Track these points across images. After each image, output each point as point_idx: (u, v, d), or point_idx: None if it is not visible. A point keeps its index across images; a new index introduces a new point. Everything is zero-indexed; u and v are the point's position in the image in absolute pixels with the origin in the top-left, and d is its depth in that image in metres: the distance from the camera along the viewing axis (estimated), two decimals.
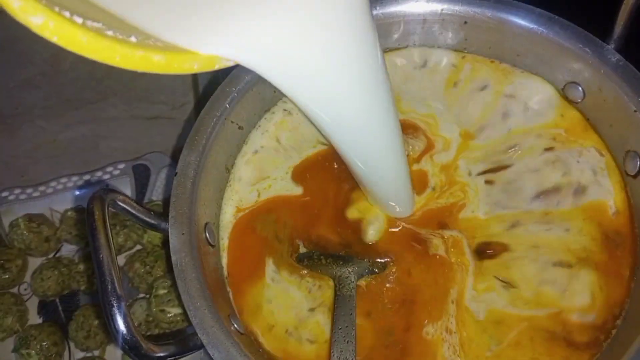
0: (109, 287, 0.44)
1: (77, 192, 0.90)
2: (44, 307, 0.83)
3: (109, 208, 0.49)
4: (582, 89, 0.64)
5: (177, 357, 0.49)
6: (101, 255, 0.45)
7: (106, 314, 0.44)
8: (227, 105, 0.65)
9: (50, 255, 0.87)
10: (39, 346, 0.76)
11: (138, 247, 0.86)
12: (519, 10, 0.65)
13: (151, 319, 0.77)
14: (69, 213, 0.87)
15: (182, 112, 1.03)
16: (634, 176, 0.60)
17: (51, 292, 0.82)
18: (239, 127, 0.69)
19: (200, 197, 0.61)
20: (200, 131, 0.64)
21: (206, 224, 0.62)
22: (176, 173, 0.60)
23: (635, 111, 0.58)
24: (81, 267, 0.83)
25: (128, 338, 0.43)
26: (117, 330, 0.43)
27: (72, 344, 0.80)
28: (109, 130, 1.02)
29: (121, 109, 1.05)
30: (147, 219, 0.56)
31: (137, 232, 0.84)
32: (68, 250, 0.87)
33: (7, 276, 0.82)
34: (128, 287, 0.82)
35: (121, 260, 0.85)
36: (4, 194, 0.90)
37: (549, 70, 0.67)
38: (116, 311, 0.43)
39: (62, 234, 0.86)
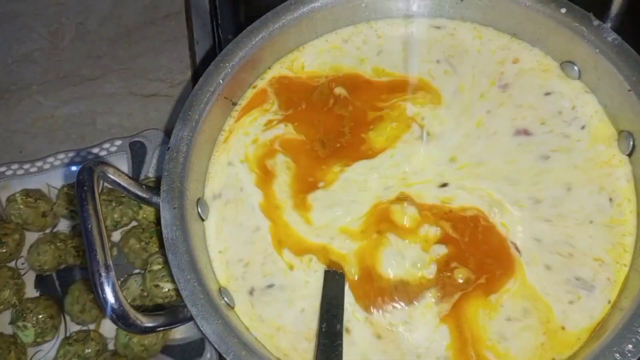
0: (97, 256, 0.44)
1: (74, 168, 0.90)
2: (41, 281, 0.84)
3: (100, 180, 0.49)
4: (578, 67, 0.64)
5: (166, 328, 0.50)
6: (89, 225, 0.45)
7: (94, 283, 0.44)
8: (221, 81, 0.65)
9: (47, 230, 0.87)
10: (35, 319, 0.77)
11: (134, 223, 0.86)
12: None
13: (146, 294, 0.77)
14: (66, 189, 0.87)
15: (179, 90, 1.03)
16: (628, 156, 0.60)
17: (48, 267, 0.82)
18: (233, 103, 0.69)
19: (193, 172, 0.61)
20: (194, 106, 0.64)
21: (198, 199, 0.63)
22: (169, 148, 0.61)
23: (629, 90, 0.58)
24: (77, 242, 0.84)
25: (116, 307, 0.44)
26: (105, 300, 0.43)
27: (67, 318, 0.81)
28: (106, 107, 1.02)
29: (119, 86, 1.05)
30: (139, 193, 0.56)
31: (133, 209, 0.85)
32: (65, 225, 0.88)
33: (4, 250, 0.83)
34: (123, 263, 0.83)
35: (117, 236, 0.85)
36: (2, 169, 0.90)
37: (545, 49, 0.66)
38: (104, 280, 0.44)
39: (58, 209, 0.87)
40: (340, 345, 0.50)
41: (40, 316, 0.77)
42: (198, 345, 0.76)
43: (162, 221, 0.56)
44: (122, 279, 0.80)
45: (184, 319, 0.52)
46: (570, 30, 0.62)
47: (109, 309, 0.44)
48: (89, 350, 0.75)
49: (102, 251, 0.45)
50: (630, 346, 0.45)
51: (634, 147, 0.58)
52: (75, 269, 0.84)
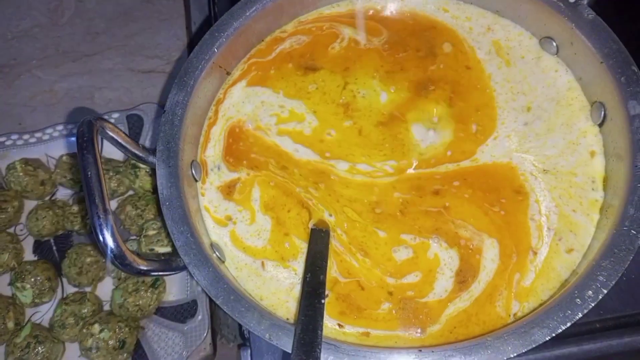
0: (97, 200, 0.47)
1: (72, 139, 0.93)
2: (39, 247, 0.87)
3: (99, 135, 0.52)
4: (556, 43, 0.67)
5: (159, 273, 0.53)
6: (89, 172, 0.48)
7: (94, 226, 0.47)
8: (215, 50, 0.68)
9: (46, 199, 0.90)
10: (33, 280, 0.80)
11: (130, 192, 0.89)
12: None
13: None
14: (64, 158, 0.89)
15: (176, 67, 1.06)
16: (600, 125, 0.63)
17: (46, 232, 0.85)
18: (227, 73, 0.72)
19: (187, 135, 0.64)
20: (189, 73, 0.66)
21: (192, 161, 0.66)
22: (164, 110, 0.64)
23: (601, 62, 0.61)
24: (75, 209, 0.86)
25: (114, 248, 0.47)
26: (103, 241, 0.46)
27: (65, 280, 0.83)
28: (104, 82, 1.05)
29: (117, 61, 1.07)
30: (135, 151, 0.59)
31: (129, 178, 0.87)
32: (63, 194, 0.90)
33: (3, 216, 0.85)
34: (120, 229, 0.85)
35: (114, 204, 0.88)
36: (2, 139, 0.92)
37: (526, 26, 0.70)
38: (103, 223, 0.47)
39: (57, 177, 0.89)
40: (323, 292, 0.53)
41: (39, 278, 0.80)
42: (190, 307, 0.80)
43: (158, 178, 0.59)
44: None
45: (177, 268, 0.55)
46: (550, 7, 0.65)
47: (107, 250, 0.47)
48: (86, 310, 0.78)
49: (100, 197, 0.48)
50: (590, 292, 0.49)
51: (605, 117, 0.62)
52: (72, 235, 0.87)
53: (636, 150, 0.55)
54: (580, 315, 0.48)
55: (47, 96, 1.04)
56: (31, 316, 0.82)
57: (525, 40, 0.70)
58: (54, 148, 0.93)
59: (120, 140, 0.57)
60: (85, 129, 0.51)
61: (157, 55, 1.08)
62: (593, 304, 0.48)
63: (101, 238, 0.46)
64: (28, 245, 0.87)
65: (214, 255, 0.59)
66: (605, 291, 0.48)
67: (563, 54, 0.67)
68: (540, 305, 0.55)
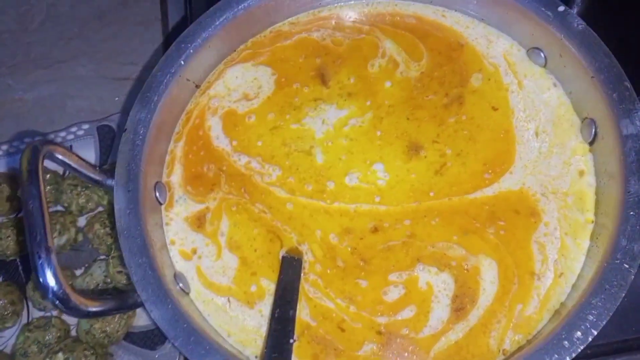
0: (37, 237, 0.43)
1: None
2: (4, 267, 0.83)
3: (44, 161, 0.48)
4: (544, 54, 0.63)
5: (113, 313, 0.49)
6: (31, 206, 0.44)
7: (34, 265, 0.43)
8: (182, 62, 0.64)
9: (12, 216, 0.86)
10: None
11: (100, 209, 0.85)
12: None
13: (109, 280, 0.76)
14: None
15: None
16: (591, 143, 0.59)
17: (10, 252, 0.81)
18: (196, 86, 0.68)
19: (150, 155, 0.60)
20: (152, 88, 0.62)
21: (156, 183, 0.62)
22: (125, 129, 0.59)
23: (592, 77, 0.57)
24: None
25: (56, 290, 0.42)
26: (45, 283, 0.42)
27: (30, 304, 0.79)
28: (76, 90, 1.00)
29: (90, 68, 1.02)
30: (90, 174, 0.55)
31: (99, 194, 0.83)
32: None
33: None
34: (88, 249, 0.81)
35: (82, 221, 0.84)
36: None
37: (513, 35, 0.66)
38: (44, 262, 0.43)
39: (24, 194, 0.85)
40: (292, 331, 0.49)
41: (1, 302, 0.76)
42: (161, 333, 0.75)
43: (115, 204, 0.55)
44: (86, 265, 0.79)
45: (134, 305, 0.51)
46: (537, 16, 0.61)
47: (49, 292, 0.42)
48: (50, 337, 0.74)
49: (43, 233, 0.43)
50: (579, 333, 0.45)
51: (595, 134, 0.58)
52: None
53: (629, 174, 0.52)
54: (567, 359, 0.44)
55: (17, 105, 0.99)
56: None
57: (514, 52, 0.66)
58: None
59: (72, 164, 0.53)
60: (29, 156, 0.46)
61: (132, 61, 1.03)
62: (582, 347, 0.44)
63: (41, 279, 0.42)
64: None
65: (177, 287, 0.55)
66: (595, 332, 0.45)
67: (552, 66, 0.63)
68: (528, 341, 0.51)
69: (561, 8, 0.60)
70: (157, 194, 0.60)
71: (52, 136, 0.90)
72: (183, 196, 0.63)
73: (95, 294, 0.53)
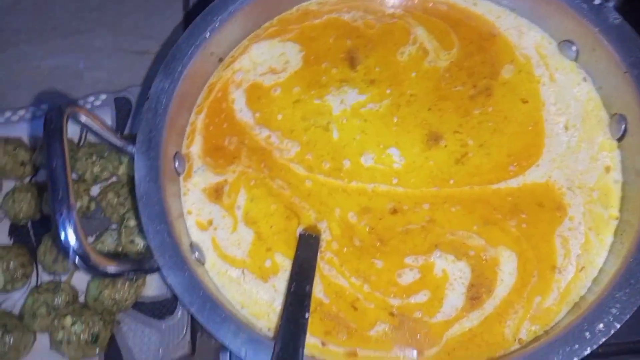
0: (60, 194, 0.43)
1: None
2: (15, 230, 0.82)
3: (68, 122, 0.47)
4: (576, 47, 0.62)
5: (130, 275, 0.48)
6: (54, 163, 0.44)
7: (55, 222, 0.43)
8: (207, 35, 0.63)
9: (26, 180, 0.86)
10: (5, 265, 0.76)
11: (114, 179, 0.85)
12: None
13: (121, 249, 0.76)
14: None
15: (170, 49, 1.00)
16: (619, 140, 0.58)
17: (23, 215, 0.81)
18: (220, 60, 0.67)
19: (172, 125, 0.60)
20: (176, 59, 0.62)
21: (176, 153, 0.61)
22: (148, 97, 0.59)
23: (625, 72, 0.56)
24: None
25: (76, 247, 0.42)
26: (65, 239, 0.42)
27: (40, 268, 0.79)
28: (94, 61, 0.99)
29: (109, 41, 1.02)
30: (113, 139, 0.55)
31: (113, 164, 0.83)
32: (44, 176, 0.86)
33: None
34: (100, 217, 0.81)
35: (96, 190, 0.84)
36: None
37: (544, 27, 0.65)
38: (66, 219, 0.42)
39: (38, 159, 0.85)
40: (308, 306, 0.49)
41: (12, 263, 0.76)
42: (170, 304, 0.75)
43: (135, 171, 0.54)
44: (97, 233, 0.79)
45: (150, 269, 0.51)
46: (571, 8, 0.60)
47: (70, 249, 0.42)
48: (59, 301, 0.74)
49: (65, 190, 0.43)
50: (601, 325, 0.44)
51: (625, 130, 0.57)
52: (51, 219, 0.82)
53: None
54: (588, 351, 0.44)
55: (33, 73, 0.99)
56: (2, 302, 0.78)
57: (545, 45, 0.65)
58: (37, 128, 0.88)
59: (95, 127, 0.53)
60: (53, 116, 0.46)
61: (151, 35, 1.02)
62: (603, 339, 0.44)
63: (62, 236, 0.42)
64: (3, 228, 0.83)
65: (193, 257, 0.55)
66: (618, 325, 0.44)
67: (583, 60, 0.62)
68: (545, 332, 0.51)
69: (597, 1, 0.59)
70: (176, 164, 0.60)
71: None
72: (202, 167, 0.62)
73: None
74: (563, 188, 0.58)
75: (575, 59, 0.63)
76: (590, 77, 0.62)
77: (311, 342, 0.53)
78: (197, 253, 0.56)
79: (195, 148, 0.64)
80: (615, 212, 0.56)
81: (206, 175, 0.62)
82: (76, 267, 0.44)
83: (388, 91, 0.64)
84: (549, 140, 0.61)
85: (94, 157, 0.82)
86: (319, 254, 0.55)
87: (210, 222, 0.60)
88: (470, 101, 0.63)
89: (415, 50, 0.66)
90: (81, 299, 0.77)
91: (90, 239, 0.79)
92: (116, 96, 0.89)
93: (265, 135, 0.64)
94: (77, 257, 0.43)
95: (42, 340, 0.75)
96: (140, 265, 0.50)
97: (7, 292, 0.78)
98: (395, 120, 0.63)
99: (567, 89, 0.62)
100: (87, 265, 0.43)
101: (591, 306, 0.47)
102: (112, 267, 0.46)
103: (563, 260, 0.55)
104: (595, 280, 0.52)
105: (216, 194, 0.61)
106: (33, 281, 0.79)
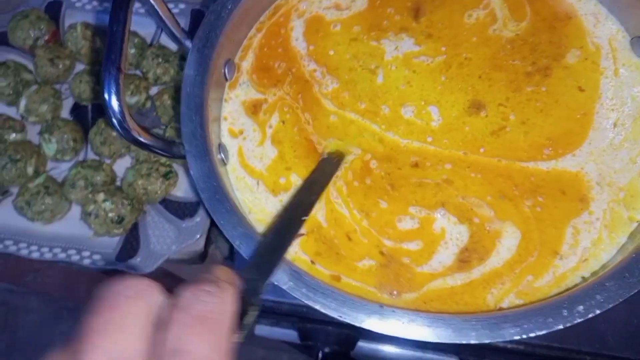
0: (113, 56, 0.46)
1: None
2: (77, 109, 0.89)
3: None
4: None
5: (155, 150, 0.52)
6: (114, 28, 0.47)
7: (102, 79, 0.46)
8: None
9: (96, 67, 0.92)
10: (60, 136, 0.83)
11: (172, 84, 0.89)
12: None
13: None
14: None
15: None
16: None
17: (85, 97, 0.87)
18: None
19: (231, 31, 0.62)
20: None
21: (228, 59, 0.64)
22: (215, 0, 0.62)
23: None
24: None
25: (115, 108, 0.46)
26: (108, 97, 0.46)
27: (89, 147, 0.86)
28: None
29: None
30: (174, 29, 0.58)
31: (176, 69, 0.87)
32: None
33: (53, 70, 0.88)
34: (152, 115, 0.87)
35: (154, 90, 0.89)
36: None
37: (621, 20, 0.62)
38: (112, 79, 0.46)
39: None
40: (308, 212, 0.50)
41: (65, 135, 0.83)
42: (193, 208, 0.80)
43: (187, 63, 0.58)
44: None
45: (176, 154, 0.54)
46: None
47: (109, 108, 0.46)
48: (98, 178, 0.80)
49: (118, 54, 0.47)
50: (580, 307, 0.44)
51: None
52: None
53: None
54: (560, 327, 0.44)
55: None
56: (51, 169, 0.85)
57: (619, 38, 0.62)
58: None
59: (161, 13, 0.56)
60: None
61: None
62: (579, 320, 0.44)
63: (106, 94, 0.46)
64: (67, 105, 0.90)
65: (219, 156, 0.58)
66: (598, 311, 0.44)
67: None
68: (526, 304, 0.51)
69: None
70: (226, 70, 0.63)
71: None
72: (247, 82, 0.65)
73: None
74: (592, 182, 0.57)
75: None
76: None
77: (302, 257, 0.56)
78: (222, 154, 0.59)
79: (246, 63, 0.66)
80: (636, 215, 0.54)
81: (249, 90, 0.65)
82: (111, 125, 0.48)
83: (443, 49, 0.64)
84: (593, 133, 0.59)
85: (160, 59, 0.87)
86: (333, 177, 0.57)
87: (241, 132, 0.63)
88: (525, 77, 0.62)
89: (484, 15, 0.65)
90: (117, 184, 0.84)
91: None
92: (193, 7, 0.93)
93: (312, 68, 0.66)
94: (114, 116, 0.47)
95: (75, 210, 0.82)
96: (169, 147, 0.53)
97: (57, 161, 0.85)
98: (442, 79, 0.63)
99: (627, 86, 0.60)
100: (121, 126, 0.47)
101: (578, 288, 0.47)
102: (143, 137, 0.49)
103: (568, 249, 0.54)
104: (593, 273, 0.52)
105: (254, 108, 0.64)
106: (81, 157, 0.86)
